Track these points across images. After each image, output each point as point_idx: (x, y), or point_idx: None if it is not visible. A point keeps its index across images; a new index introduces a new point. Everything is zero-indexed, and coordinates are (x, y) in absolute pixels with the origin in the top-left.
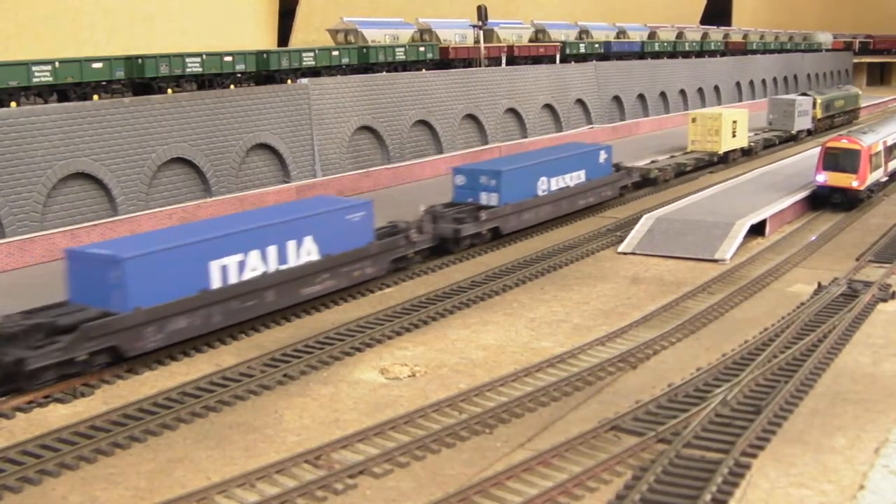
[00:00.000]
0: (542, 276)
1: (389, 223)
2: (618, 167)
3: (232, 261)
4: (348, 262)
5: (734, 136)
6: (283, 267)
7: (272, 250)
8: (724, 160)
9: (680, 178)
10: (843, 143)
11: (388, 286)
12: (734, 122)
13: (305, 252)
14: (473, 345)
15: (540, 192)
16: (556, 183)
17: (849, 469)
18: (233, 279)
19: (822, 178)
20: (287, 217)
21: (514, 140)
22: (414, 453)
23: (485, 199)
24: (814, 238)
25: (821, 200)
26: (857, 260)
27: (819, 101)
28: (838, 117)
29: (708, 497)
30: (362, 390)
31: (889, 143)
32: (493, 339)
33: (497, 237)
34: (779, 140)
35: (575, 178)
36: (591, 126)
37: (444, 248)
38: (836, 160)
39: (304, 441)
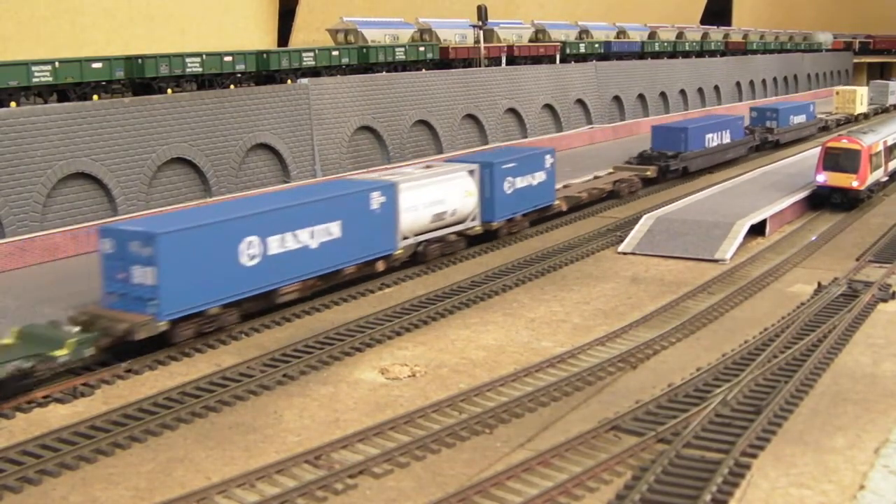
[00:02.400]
0: (542, 276)
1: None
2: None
3: (708, 134)
4: (738, 145)
5: (861, 104)
6: (721, 143)
7: (718, 134)
8: (856, 120)
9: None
10: (844, 143)
11: (388, 286)
12: (861, 95)
13: (727, 138)
14: (473, 345)
15: (792, 124)
16: (801, 119)
17: (849, 469)
18: (709, 144)
19: (823, 178)
20: (719, 120)
21: (515, 140)
22: (414, 453)
23: (769, 124)
24: (814, 238)
25: (821, 200)
26: (858, 260)
27: None
28: None
29: (708, 497)
30: (362, 390)
31: (889, 143)
32: (493, 339)
33: (777, 146)
34: (880, 109)
35: (802, 118)
36: (591, 126)
37: (759, 147)
38: (836, 160)
39: (304, 441)
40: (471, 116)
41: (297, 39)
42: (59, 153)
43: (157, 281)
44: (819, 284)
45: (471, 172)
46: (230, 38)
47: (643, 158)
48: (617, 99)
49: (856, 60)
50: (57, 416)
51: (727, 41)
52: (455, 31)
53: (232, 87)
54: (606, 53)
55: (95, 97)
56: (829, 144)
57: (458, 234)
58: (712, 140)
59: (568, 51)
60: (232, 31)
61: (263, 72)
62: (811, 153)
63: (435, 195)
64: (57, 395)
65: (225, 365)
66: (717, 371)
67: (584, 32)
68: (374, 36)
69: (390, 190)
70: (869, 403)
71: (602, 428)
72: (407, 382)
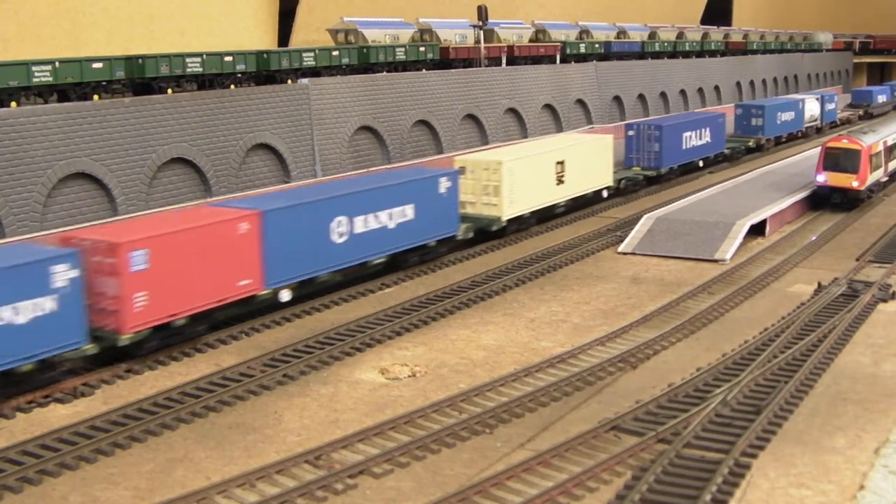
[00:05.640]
0: (542, 276)
1: None
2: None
3: (879, 95)
4: (891, 103)
5: None
6: (886, 100)
7: (885, 95)
8: None
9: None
10: (844, 143)
11: (388, 286)
12: None
13: (886, 98)
14: (473, 345)
15: None
16: None
17: (849, 469)
18: (880, 101)
19: (823, 178)
20: (886, 86)
21: (515, 140)
22: (414, 453)
23: None
24: (814, 238)
25: (821, 200)
26: (858, 260)
27: None
28: None
29: (708, 497)
30: (362, 390)
31: (889, 143)
32: (493, 339)
33: None
34: None
35: (889, 96)
36: (591, 126)
37: None
38: (836, 160)
39: (304, 441)
40: (471, 116)
41: (297, 39)
42: (59, 153)
43: None
44: (819, 284)
45: (817, 99)
46: (230, 38)
47: (851, 106)
48: (617, 99)
49: (856, 60)
50: (57, 416)
51: (727, 41)
52: (455, 31)
53: (232, 87)
54: (606, 53)
55: (96, 97)
56: (830, 144)
57: (813, 128)
58: (882, 98)
59: (568, 51)
60: (232, 31)
61: (263, 72)
62: (811, 153)
63: (811, 106)
64: (57, 395)
65: (225, 365)
66: (717, 371)
67: (584, 32)
68: (374, 36)
69: (803, 102)
70: (869, 403)
71: (602, 428)
72: (407, 382)
